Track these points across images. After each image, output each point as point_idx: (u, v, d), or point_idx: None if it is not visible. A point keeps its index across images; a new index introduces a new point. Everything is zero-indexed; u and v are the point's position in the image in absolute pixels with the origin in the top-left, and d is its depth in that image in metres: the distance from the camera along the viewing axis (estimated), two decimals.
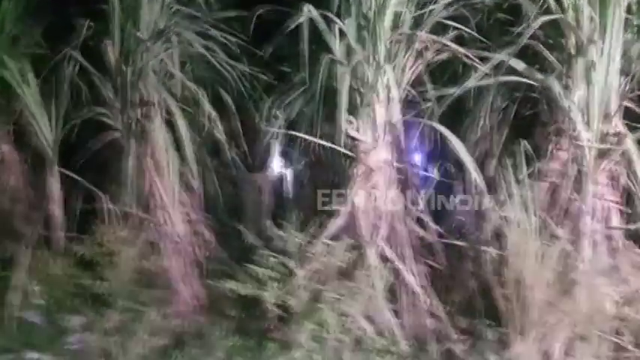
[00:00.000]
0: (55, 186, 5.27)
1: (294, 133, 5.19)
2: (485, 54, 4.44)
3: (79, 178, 5.12)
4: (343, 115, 4.46)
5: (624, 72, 4.14)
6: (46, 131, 5.31)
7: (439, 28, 4.81)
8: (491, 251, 3.93)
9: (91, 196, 5.10)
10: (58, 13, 5.78)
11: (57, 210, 5.24)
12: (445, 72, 5.35)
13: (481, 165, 4.42)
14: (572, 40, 4.17)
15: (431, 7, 4.66)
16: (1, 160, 6.09)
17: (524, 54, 4.23)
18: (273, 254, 4.22)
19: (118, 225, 4.86)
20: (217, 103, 5.28)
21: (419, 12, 4.69)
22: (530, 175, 4.16)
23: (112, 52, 5.24)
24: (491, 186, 4.45)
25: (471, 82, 4.20)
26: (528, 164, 4.06)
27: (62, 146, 5.33)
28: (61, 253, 5.01)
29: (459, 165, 5.39)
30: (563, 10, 4.10)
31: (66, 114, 5.30)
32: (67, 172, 5.22)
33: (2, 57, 5.52)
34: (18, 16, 5.90)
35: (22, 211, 6.05)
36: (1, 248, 5.62)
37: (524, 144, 4.20)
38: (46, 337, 4.59)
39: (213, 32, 5.38)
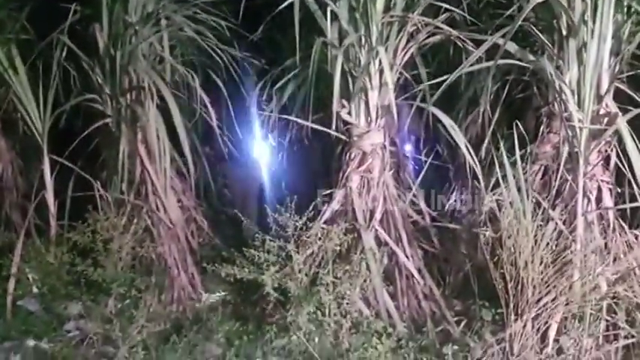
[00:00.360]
0: (46, 173, 5.20)
1: (286, 117, 5.18)
2: (478, 37, 4.46)
3: (71, 165, 5.06)
4: (336, 99, 4.45)
5: (615, 53, 4.15)
6: (35, 118, 5.22)
7: (431, 10, 4.81)
8: (486, 233, 3.94)
9: (82, 183, 5.05)
10: None
11: (49, 197, 5.18)
12: (437, 55, 5.38)
13: (474, 148, 4.42)
14: (563, 21, 4.17)
15: None
16: None
17: (514, 36, 4.23)
18: (270, 238, 4.21)
19: (111, 211, 4.83)
20: (208, 87, 5.23)
21: None
22: (522, 158, 4.19)
23: (100, 36, 5.15)
24: (485, 168, 4.52)
25: (467, 67, 4.16)
26: (521, 147, 4.08)
27: (52, 133, 5.25)
28: (55, 241, 4.96)
29: (452, 148, 5.47)
30: None
31: (55, 100, 5.21)
32: (58, 159, 5.16)
33: None
34: (1, 0, 5.78)
35: (13, 199, 6.02)
36: None
37: (518, 125, 4.22)
38: (43, 324, 4.58)
39: (203, 16, 5.33)
